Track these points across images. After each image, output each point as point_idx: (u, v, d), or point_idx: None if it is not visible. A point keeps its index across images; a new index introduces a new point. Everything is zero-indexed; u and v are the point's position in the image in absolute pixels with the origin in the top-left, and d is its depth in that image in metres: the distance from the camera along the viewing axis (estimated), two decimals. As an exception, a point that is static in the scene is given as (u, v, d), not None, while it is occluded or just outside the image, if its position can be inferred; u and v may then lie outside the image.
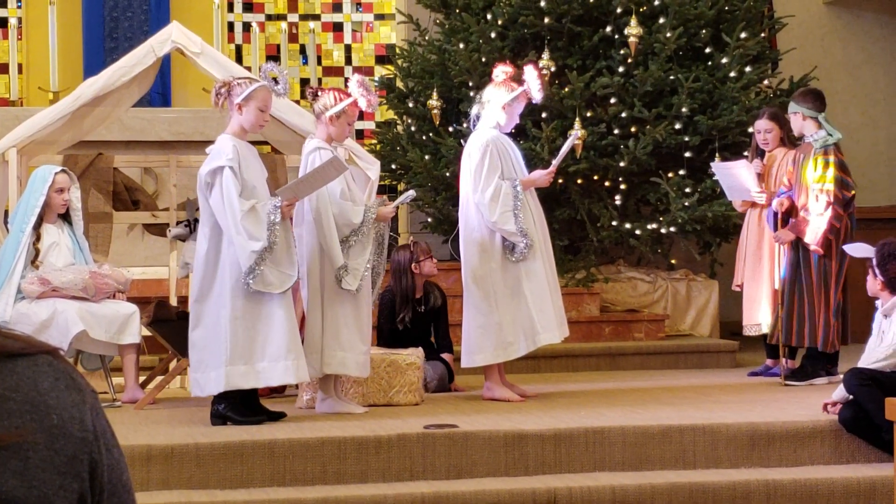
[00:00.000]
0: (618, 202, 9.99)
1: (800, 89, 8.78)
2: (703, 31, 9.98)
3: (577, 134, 8.09)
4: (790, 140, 8.82)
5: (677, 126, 9.77)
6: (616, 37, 9.89)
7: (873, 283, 6.91)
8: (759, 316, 8.57)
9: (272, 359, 6.63)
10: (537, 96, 7.59)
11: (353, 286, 6.98)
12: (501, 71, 7.62)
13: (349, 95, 7.12)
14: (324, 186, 6.90)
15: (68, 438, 1.36)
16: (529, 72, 7.62)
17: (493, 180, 7.45)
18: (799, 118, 8.31)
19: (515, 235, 7.41)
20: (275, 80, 6.81)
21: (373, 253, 7.14)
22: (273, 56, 11.43)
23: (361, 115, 11.16)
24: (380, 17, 12.18)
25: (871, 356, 6.73)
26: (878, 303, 7.08)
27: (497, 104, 7.54)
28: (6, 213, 8.03)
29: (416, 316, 7.99)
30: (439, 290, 8.15)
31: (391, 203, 7.36)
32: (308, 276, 7.11)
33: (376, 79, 11.21)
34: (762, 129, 8.62)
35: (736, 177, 8.50)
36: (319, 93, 7.18)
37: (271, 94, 6.80)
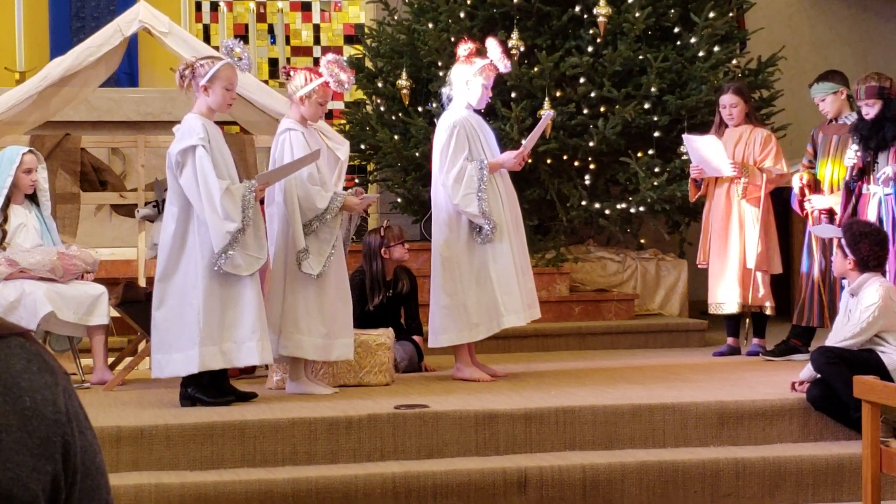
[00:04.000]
0: (587, 182, 10.00)
1: (832, 70, 8.63)
2: (672, 10, 9.99)
3: (550, 114, 8.06)
4: (756, 117, 8.82)
5: (646, 106, 9.78)
6: (585, 17, 9.88)
7: (843, 263, 6.93)
8: (723, 294, 8.58)
9: (237, 340, 6.61)
10: (502, 66, 7.58)
11: (314, 270, 6.95)
12: (464, 48, 7.63)
13: (321, 76, 7.10)
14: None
15: (41, 420, 1.35)
16: (491, 43, 7.63)
17: (458, 161, 7.45)
18: (838, 98, 8.28)
19: (479, 218, 7.41)
20: (238, 58, 6.78)
21: (338, 239, 7.10)
22: (241, 36, 11.37)
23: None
24: (348, -4, 12.14)
25: (839, 335, 6.78)
26: (844, 282, 7.12)
27: (463, 81, 7.55)
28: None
29: (384, 299, 7.98)
30: (409, 275, 8.15)
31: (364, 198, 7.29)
32: (273, 256, 7.09)
33: (345, 59, 11.16)
34: (727, 103, 8.57)
35: (706, 151, 8.47)
36: (292, 73, 7.16)
37: (236, 71, 6.78)
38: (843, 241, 6.93)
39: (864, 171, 7.83)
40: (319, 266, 6.96)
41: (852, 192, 7.87)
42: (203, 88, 6.67)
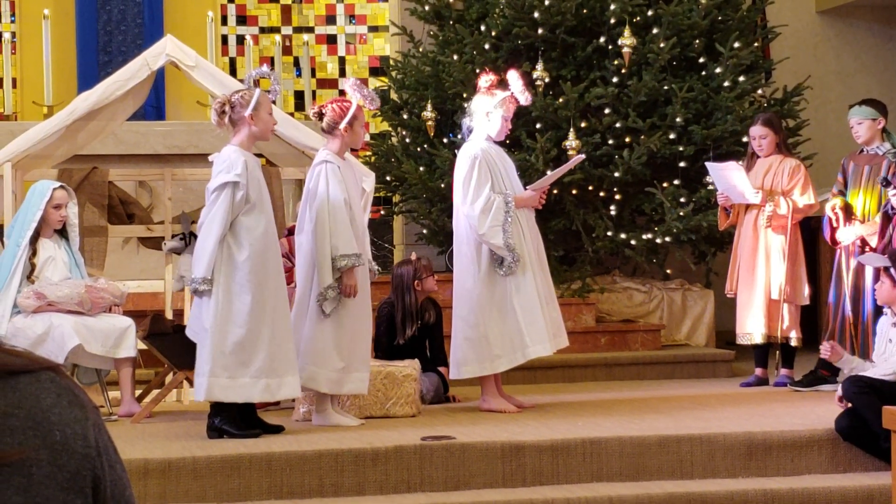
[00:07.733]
0: (613, 212, 9.99)
1: (875, 99, 8.59)
2: (697, 41, 9.99)
3: (580, 157, 8.09)
4: (786, 146, 8.80)
5: (671, 136, 9.77)
6: (610, 47, 9.90)
7: (891, 292, 6.85)
8: (750, 324, 8.54)
9: (214, 374, 6.62)
10: (522, 98, 7.59)
11: (327, 309, 6.97)
12: (485, 80, 7.65)
13: (350, 102, 7.15)
14: (326, 198, 6.93)
15: (71, 455, 1.36)
16: (512, 75, 7.64)
17: (483, 192, 7.44)
18: (874, 126, 8.26)
19: (502, 250, 7.40)
20: (261, 82, 6.88)
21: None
22: (267, 69, 11.42)
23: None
24: (373, 29, 12.19)
25: (883, 368, 6.68)
26: (886, 310, 7.04)
27: (483, 112, 7.56)
28: (1, 227, 8.03)
29: (416, 331, 7.97)
30: (435, 305, 8.14)
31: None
32: (300, 286, 7.11)
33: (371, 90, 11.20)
34: (756, 135, 8.60)
35: (728, 178, 8.49)
36: (323, 110, 7.20)
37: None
38: (892, 269, 6.85)
39: None
40: (331, 307, 6.98)
41: (891, 219, 7.79)
42: (250, 118, 6.72)
